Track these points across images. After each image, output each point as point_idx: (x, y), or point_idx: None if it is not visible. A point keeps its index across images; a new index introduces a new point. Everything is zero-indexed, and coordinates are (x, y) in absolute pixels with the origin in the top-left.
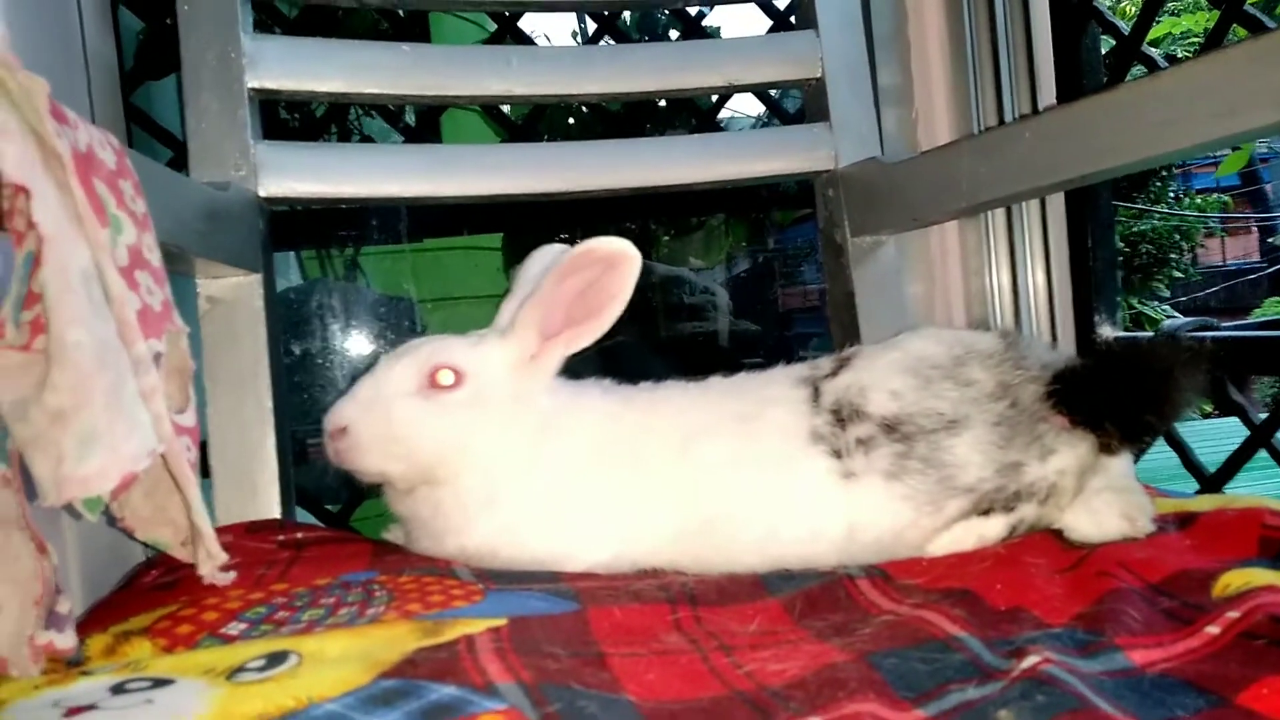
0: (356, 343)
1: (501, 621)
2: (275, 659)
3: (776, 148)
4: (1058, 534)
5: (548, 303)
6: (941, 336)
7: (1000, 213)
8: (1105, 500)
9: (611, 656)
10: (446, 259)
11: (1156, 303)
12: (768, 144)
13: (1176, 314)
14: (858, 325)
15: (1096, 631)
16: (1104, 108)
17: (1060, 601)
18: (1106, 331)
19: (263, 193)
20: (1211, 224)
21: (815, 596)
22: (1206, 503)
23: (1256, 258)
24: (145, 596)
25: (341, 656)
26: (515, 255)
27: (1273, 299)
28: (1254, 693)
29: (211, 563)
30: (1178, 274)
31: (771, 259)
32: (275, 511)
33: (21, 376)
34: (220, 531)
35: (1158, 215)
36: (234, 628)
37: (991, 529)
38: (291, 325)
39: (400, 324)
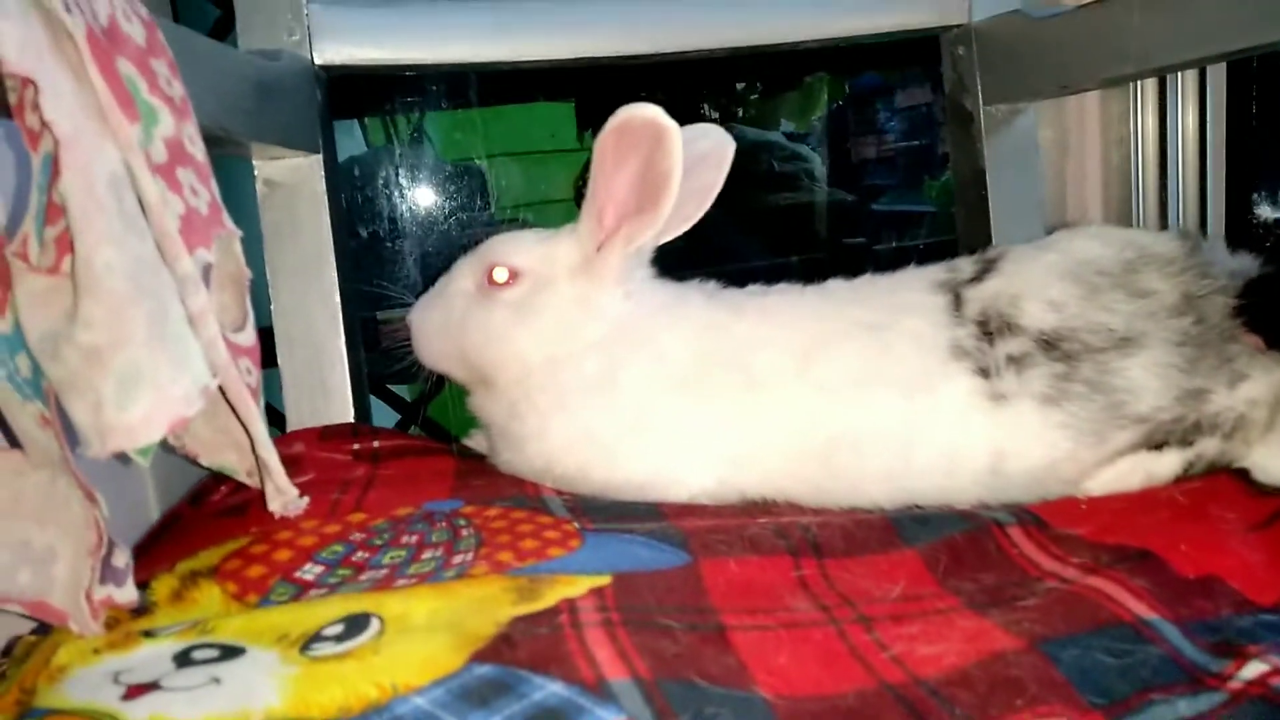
0: (426, 214)
1: (605, 580)
2: (354, 625)
3: None
4: (1242, 475)
5: (600, 194)
6: (1109, 236)
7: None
8: None
9: (734, 630)
10: (517, 117)
11: None
12: None
13: None
14: (987, 208)
15: None
16: None
17: (1264, 570)
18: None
19: (319, 60)
20: None
21: (960, 549)
22: None
23: None
24: (214, 523)
25: (428, 624)
26: (591, 125)
27: None
28: None
29: (281, 498)
30: None
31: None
32: (348, 411)
33: (50, 304)
34: (291, 439)
35: None
36: (309, 570)
37: (1163, 466)
38: (357, 198)
39: (471, 193)
